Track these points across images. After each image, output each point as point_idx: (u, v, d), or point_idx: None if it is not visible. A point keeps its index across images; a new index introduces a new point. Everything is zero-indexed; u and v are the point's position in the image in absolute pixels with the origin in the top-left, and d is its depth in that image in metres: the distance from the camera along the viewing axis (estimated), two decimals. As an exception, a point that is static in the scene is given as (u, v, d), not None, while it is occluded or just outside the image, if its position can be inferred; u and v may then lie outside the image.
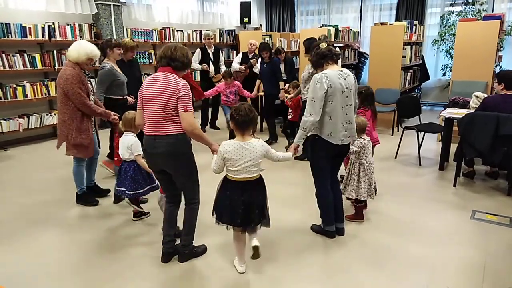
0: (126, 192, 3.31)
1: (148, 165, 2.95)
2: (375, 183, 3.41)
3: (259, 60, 6.44)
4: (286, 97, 5.56)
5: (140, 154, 3.26)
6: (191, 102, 2.54)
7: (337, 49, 3.18)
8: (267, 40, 8.49)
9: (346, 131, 2.96)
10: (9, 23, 5.71)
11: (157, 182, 3.39)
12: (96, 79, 4.39)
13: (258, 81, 6.23)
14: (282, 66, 6.53)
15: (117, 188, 3.40)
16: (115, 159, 3.81)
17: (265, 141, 2.60)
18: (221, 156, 2.50)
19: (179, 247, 2.85)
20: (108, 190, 4.04)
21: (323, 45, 2.96)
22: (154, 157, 2.66)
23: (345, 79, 2.90)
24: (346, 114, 2.93)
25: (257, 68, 6.71)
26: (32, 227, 3.41)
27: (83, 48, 3.46)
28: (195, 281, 2.64)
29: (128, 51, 4.65)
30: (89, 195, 3.87)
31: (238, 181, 2.50)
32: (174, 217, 2.87)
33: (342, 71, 2.94)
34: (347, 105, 2.92)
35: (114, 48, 4.30)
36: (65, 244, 3.14)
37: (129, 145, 3.27)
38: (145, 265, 2.81)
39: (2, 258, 2.94)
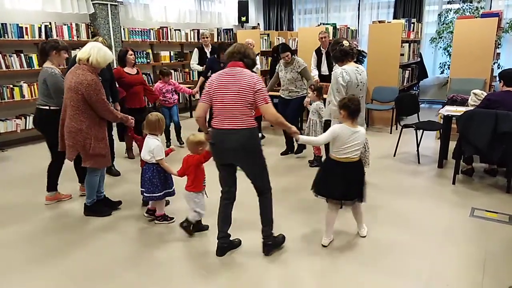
0: (145, 194, 3.31)
1: (214, 158, 2.84)
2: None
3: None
4: None
5: (162, 159, 3.26)
6: (268, 94, 2.66)
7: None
8: (265, 39, 8.52)
9: None
10: (6, 23, 5.68)
11: (173, 188, 3.39)
12: (51, 88, 3.56)
13: (201, 78, 6.28)
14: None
15: (140, 188, 3.37)
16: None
17: None
18: (333, 135, 2.83)
19: (262, 240, 2.86)
20: (120, 202, 3.77)
21: (346, 43, 3.32)
22: (226, 151, 2.69)
23: (360, 74, 3.37)
24: None
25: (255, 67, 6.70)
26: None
27: (108, 54, 3.28)
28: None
29: None
30: (100, 205, 3.61)
31: (340, 161, 2.84)
32: (228, 214, 2.87)
33: (358, 67, 3.39)
34: (359, 97, 3.25)
35: (61, 51, 3.65)
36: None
37: (151, 149, 3.24)
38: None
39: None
